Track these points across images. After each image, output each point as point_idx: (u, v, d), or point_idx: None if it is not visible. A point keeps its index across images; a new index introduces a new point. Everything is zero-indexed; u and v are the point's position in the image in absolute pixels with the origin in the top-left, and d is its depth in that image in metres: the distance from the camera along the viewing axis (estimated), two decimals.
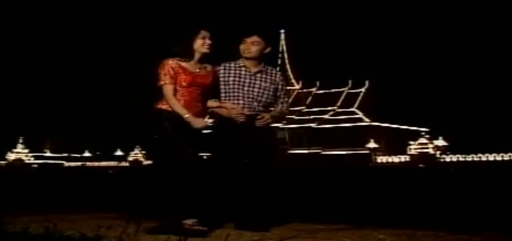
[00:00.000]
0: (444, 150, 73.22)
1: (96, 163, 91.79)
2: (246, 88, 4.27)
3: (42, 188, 10.81)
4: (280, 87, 4.41)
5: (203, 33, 4.04)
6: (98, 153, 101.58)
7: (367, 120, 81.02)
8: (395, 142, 77.52)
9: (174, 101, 3.97)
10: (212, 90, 4.20)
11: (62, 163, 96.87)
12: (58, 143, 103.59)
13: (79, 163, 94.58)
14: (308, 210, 5.42)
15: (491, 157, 67.89)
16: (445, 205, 6.14)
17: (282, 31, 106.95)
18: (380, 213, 5.26)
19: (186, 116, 3.93)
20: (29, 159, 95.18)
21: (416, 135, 77.07)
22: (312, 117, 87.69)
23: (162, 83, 3.99)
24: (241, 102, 4.25)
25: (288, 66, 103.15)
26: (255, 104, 4.27)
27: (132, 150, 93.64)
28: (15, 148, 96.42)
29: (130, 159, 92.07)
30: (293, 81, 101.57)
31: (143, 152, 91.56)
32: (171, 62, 4.00)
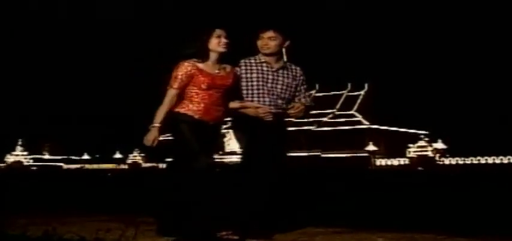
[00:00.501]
0: (443, 153, 73.20)
1: (95, 166, 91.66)
2: (269, 85, 4.10)
3: (41, 191, 10.80)
4: (301, 82, 4.27)
5: (218, 31, 3.86)
6: (96, 155, 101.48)
7: (366, 122, 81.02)
8: (395, 145, 77.49)
9: (164, 107, 3.80)
10: (233, 91, 4.01)
11: (61, 165, 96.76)
12: (57, 146, 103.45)
13: (78, 166, 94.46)
14: (307, 213, 5.41)
15: (490, 160, 67.88)
16: (445, 208, 6.13)
17: None
18: (379, 216, 5.26)
19: (152, 125, 3.76)
20: (28, 162, 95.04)
21: (415, 138, 77.02)
22: (311, 119, 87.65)
23: (168, 86, 3.82)
24: (266, 100, 4.07)
25: None
26: (280, 101, 4.12)
27: (131, 153, 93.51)
28: (14, 150, 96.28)
29: (129, 161, 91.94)
30: None
31: (142, 155, 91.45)
32: (187, 64, 3.81)
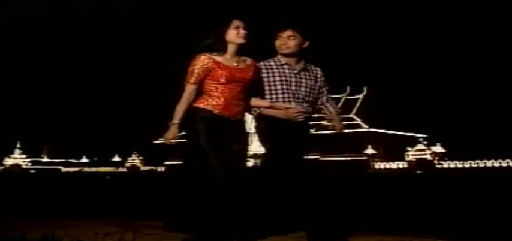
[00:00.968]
0: (442, 156, 73.24)
1: (93, 169, 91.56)
2: (293, 87, 3.92)
3: (40, 194, 10.78)
4: (323, 83, 4.12)
5: (236, 22, 3.66)
6: (95, 158, 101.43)
7: (365, 126, 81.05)
8: (393, 149, 77.55)
9: (183, 103, 3.64)
10: (253, 86, 3.81)
11: (60, 168, 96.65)
12: (55, 149, 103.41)
13: (76, 169, 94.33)
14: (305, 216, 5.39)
15: (489, 164, 67.95)
16: (444, 211, 6.13)
17: None
18: (378, 219, 5.26)
19: (172, 122, 3.61)
20: (27, 165, 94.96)
21: (414, 142, 77.08)
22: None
23: (185, 81, 3.64)
24: (292, 103, 3.89)
25: None
26: (305, 104, 3.93)
27: (130, 156, 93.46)
28: (12, 153, 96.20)
29: (127, 164, 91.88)
30: None
31: (140, 158, 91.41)
32: (204, 57, 3.62)
